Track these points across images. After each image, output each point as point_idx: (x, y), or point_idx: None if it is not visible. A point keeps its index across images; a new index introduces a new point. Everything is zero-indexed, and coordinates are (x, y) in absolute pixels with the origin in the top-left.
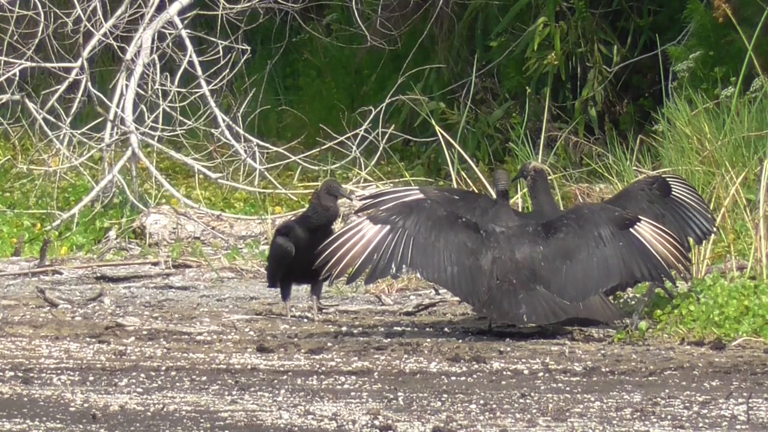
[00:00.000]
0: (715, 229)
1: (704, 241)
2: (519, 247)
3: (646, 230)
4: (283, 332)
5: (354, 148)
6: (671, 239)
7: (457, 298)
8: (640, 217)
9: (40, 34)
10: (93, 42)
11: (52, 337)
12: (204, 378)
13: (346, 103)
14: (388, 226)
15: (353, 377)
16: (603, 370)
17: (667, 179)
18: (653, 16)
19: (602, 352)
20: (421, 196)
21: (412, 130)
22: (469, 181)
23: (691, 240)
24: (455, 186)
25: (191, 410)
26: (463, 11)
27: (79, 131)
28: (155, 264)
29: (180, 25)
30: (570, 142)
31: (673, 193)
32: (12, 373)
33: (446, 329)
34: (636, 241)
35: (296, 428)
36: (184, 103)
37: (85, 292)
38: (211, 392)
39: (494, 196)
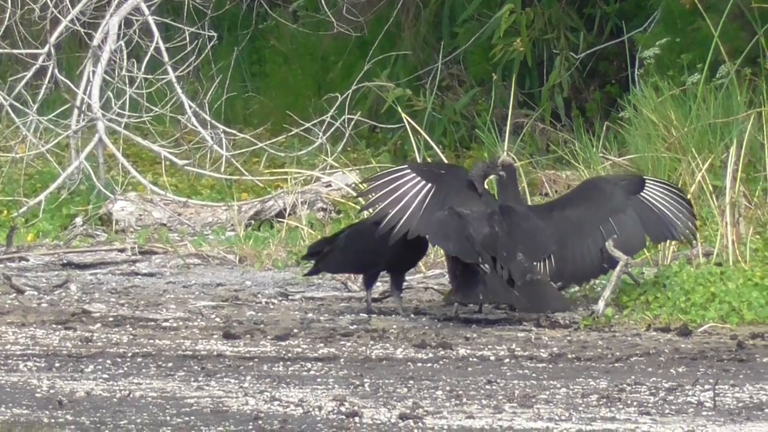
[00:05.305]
0: (682, 238)
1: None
2: (480, 229)
3: (652, 191)
4: (249, 318)
5: (320, 134)
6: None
7: (423, 285)
8: (644, 177)
9: (6, 20)
10: (60, 28)
11: (18, 324)
12: (170, 364)
13: (312, 90)
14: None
15: (319, 363)
16: (569, 356)
17: (646, 180)
18: (620, 2)
19: (568, 338)
20: (411, 173)
21: (378, 116)
22: None
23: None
24: None
25: (157, 396)
26: None
27: (45, 118)
28: (121, 251)
29: (147, 12)
30: (536, 129)
31: (644, 193)
32: None
33: (412, 315)
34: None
35: (262, 414)
36: (151, 89)
37: (51, 278)
38: (177, 378)
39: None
